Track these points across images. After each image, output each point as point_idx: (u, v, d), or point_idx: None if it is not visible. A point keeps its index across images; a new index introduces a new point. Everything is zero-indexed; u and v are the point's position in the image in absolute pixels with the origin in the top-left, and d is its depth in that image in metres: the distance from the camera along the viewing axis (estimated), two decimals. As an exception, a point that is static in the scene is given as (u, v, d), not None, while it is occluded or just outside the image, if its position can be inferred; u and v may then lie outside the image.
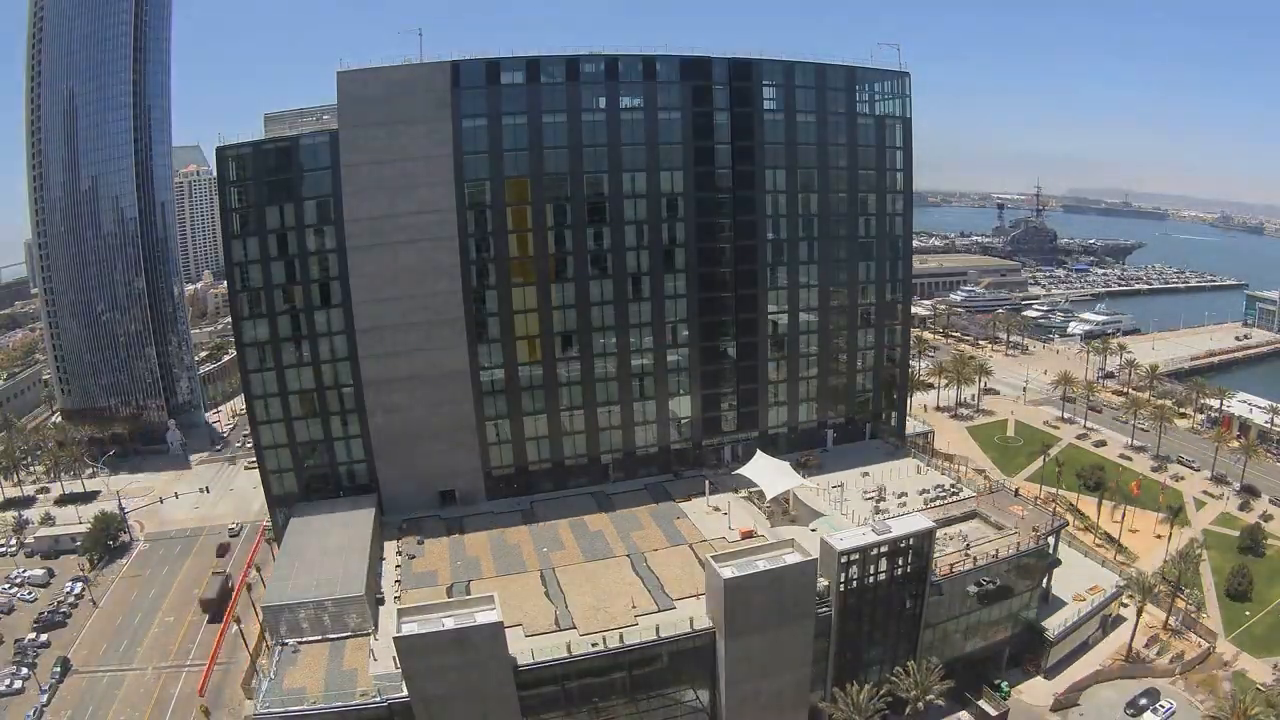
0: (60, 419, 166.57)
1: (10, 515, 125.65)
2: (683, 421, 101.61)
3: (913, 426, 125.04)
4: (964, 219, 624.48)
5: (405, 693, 60.48)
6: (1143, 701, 77.16)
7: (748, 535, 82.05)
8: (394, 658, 61.69)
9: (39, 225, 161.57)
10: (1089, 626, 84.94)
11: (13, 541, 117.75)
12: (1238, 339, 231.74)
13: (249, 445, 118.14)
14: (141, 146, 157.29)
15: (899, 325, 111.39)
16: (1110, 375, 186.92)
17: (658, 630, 66.47)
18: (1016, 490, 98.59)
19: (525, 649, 64.16)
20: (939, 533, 75.71)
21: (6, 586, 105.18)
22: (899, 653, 73.96)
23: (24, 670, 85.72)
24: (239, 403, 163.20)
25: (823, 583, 69.62)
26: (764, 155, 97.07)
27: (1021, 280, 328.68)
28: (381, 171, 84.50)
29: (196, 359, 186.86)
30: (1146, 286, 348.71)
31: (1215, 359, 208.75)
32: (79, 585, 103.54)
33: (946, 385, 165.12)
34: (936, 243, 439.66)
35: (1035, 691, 79.77)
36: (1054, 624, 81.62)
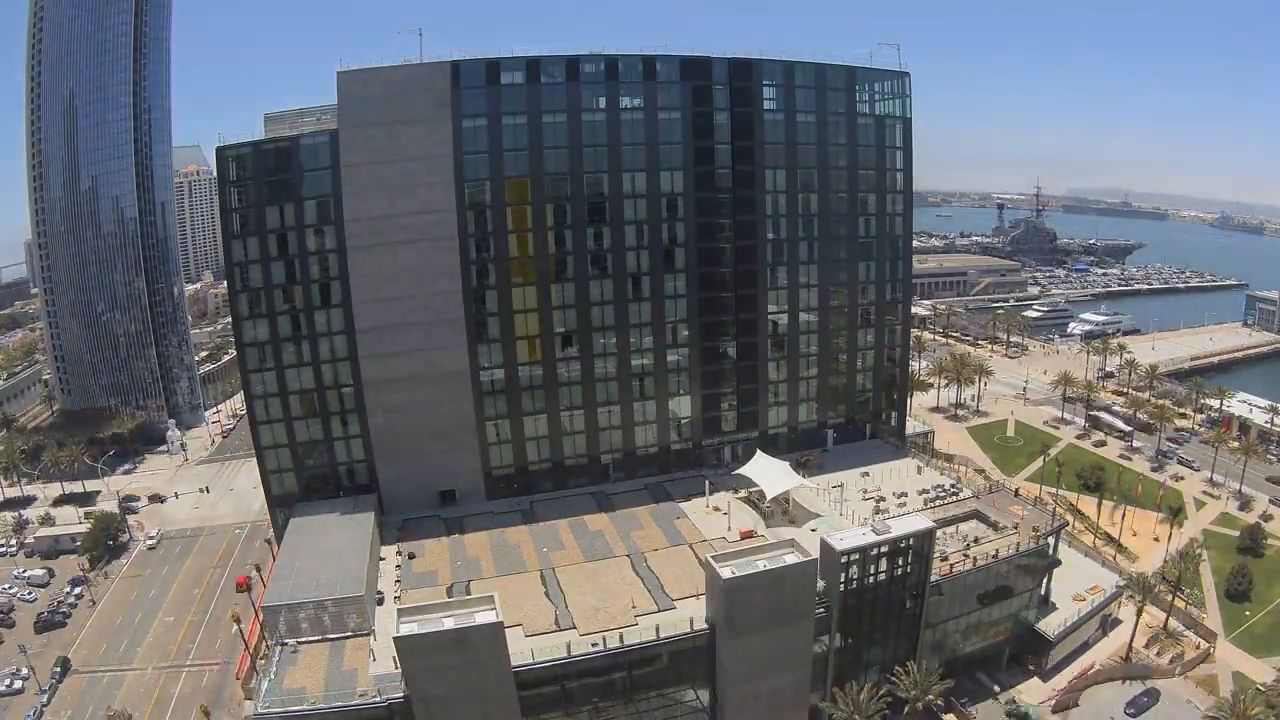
0: (60, 419, 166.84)
1: (10, 515, 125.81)
2: (683, 421, 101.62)
3: (913, 426, 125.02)
4: (964, 219, 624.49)
5: (405, 693, 60.51)
6: (1144, 699, 77.16)
7: (748, 535, 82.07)
8: (394, 658, 61.68)
9: (39, 225, 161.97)
10: (1089, 626, 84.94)
11: (13, 542, 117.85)
12: (1250, 335, 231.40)
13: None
14: (141, 146, 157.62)
15: (899, 325, 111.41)
16: (1110, 375, 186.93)
17: (658, 630, 66.47)
18: (1016, 490, 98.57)
19: (525, 649, 64.14)
20: (939, 533, 75.70)
21: (7, 586, 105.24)
22: (899, 653, 73.98)
23: (23, 670, 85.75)
24: (235, 401, 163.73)
25: (822, 583, 69.64)
26: (764, 155, 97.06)
27: (1021, 280, 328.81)
28: (381, 171, 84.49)
29: (196, 359, 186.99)
30: (1146, 286, 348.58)
31: (1215, 359, 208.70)
32: (79, 586, 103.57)
33: (946, 385, 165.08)
34: (937, 243, 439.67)
35: (1035, 691, 79.76)
36: (1054, 624, 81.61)
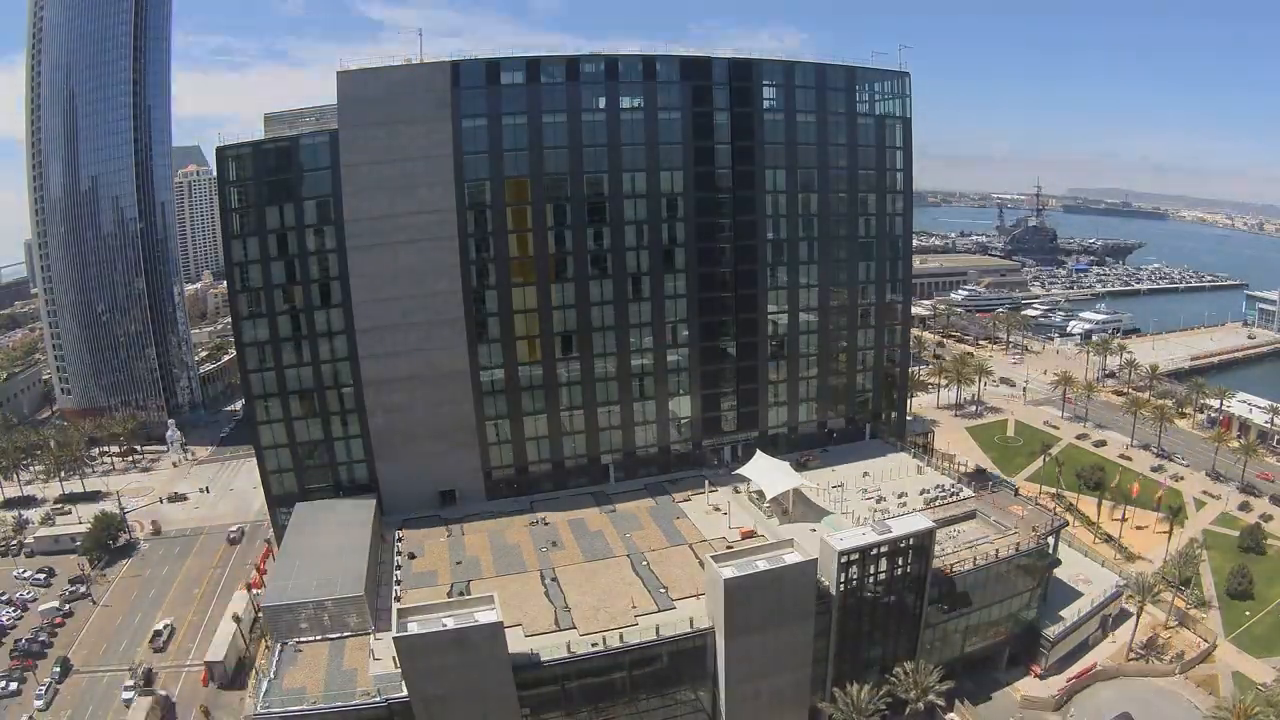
0: (60, 419, 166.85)
1: (10, 515, 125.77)
2: (683, 421, 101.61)
3: (912, 426, 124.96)
4: (964, 218, 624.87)
5: (405, 693, 60.49)
6: None
7: (748, 535, 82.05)
8: (394, 658, 61.70)
9: (39, 225, 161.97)
10: (1089, 626, 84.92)
11: (13, 542, 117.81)
12: (1250, 336, 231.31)
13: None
14: (141, 146, 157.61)
15: (899, 325, 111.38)
16: (1111, 375, 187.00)
17: (658, 630, 66.49)
18: (1016, 490, 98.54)
19: (525, 649, 64.13)
20: (938, 533, 75.67)
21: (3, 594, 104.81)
22: (899, 653, 73.97)
23: (11, 686, 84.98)
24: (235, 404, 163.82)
25: (823, 583, 69.64)
26: (764, 155, 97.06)
27: (1022, 280, 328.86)
28: (381, 171, 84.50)
29: (196, 359, 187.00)
30: (1146, 286, 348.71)
31: (1215, 359, 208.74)
32: (80, 587, 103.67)
33: (946, 385, 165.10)
34: (937, 242, 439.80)
35: (1034, 691, 79.75)
36: (1054, 624, 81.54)
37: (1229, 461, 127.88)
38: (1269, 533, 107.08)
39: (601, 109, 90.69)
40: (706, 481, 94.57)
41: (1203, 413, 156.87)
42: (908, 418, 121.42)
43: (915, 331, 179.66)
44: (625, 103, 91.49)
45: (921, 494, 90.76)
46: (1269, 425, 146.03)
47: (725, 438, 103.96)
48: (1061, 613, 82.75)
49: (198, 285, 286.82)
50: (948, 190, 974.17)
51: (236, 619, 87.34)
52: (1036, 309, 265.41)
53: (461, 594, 72.32)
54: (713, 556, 69.09)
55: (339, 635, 68.74)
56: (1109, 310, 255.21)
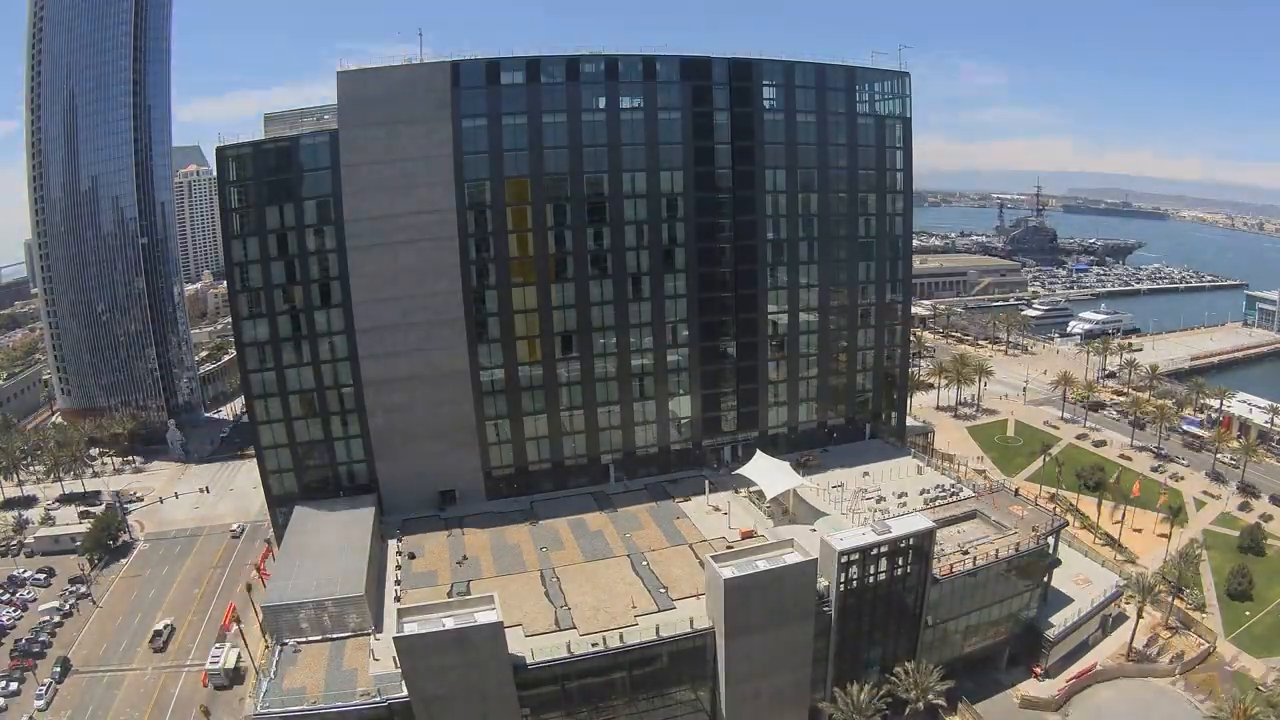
0: (60, 418, 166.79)
1: (10, 515, 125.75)
2: (683, 421, 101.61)
3: (913, 426, 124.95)
4: (964, 218, 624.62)
5: (405, 693, 60.51)
6: None
7: (748, 535, 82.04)
8: (394, 658, 61.70)
9: (39, 225, 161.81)
10: (1089, 626, 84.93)
11: (13, 542, 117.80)
12: (1250, 335, 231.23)
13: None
14: (141, 146, 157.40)
15: (899, 325, 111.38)
16: (1111, 375, 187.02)
17: (658, 630, 66.50)
18: (1016, 490, 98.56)
19: (525, 649, 64.12)
20: (938, 533, 75.67)
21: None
22: (899, 653, 73.97)
23: (22, 671, 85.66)
24: (236, 402, 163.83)
25: (823, 583, 69.64)
26: (764, 155, 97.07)
27: (1021, 280, 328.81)
28: (381, 171, 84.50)
29: (196, 359, 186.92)
30: (1146, 286, 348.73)
31: (1215, 359, 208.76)
32: (80, 587, 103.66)
33: (946, 385, 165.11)
34: (936, 242, 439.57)
35: (1035, 691, 79.70)
36: (1054, 624, 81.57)
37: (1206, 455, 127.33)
38: (1269, 533, 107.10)
39: (601, 109, 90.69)
40: (707, 481, 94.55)
41: (1203, 413, 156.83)
42: (908, 418, 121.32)
43: (915, 331, 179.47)
44: (625, 103, 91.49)
45: (921, 494, 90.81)
46: (1269, 425, 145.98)
47: (725, 438, 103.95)
48: (1062, 613, 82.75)
49: (198, 285, 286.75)
50: (948, 190, 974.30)
51: (237, 620, 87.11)
52: (1037, 309, 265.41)
53: (461, 594, 72.32)
54: (713, 556, 69.10)
55: (339, 635, 68.73)
56: (1109, 310, 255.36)
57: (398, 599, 72.90)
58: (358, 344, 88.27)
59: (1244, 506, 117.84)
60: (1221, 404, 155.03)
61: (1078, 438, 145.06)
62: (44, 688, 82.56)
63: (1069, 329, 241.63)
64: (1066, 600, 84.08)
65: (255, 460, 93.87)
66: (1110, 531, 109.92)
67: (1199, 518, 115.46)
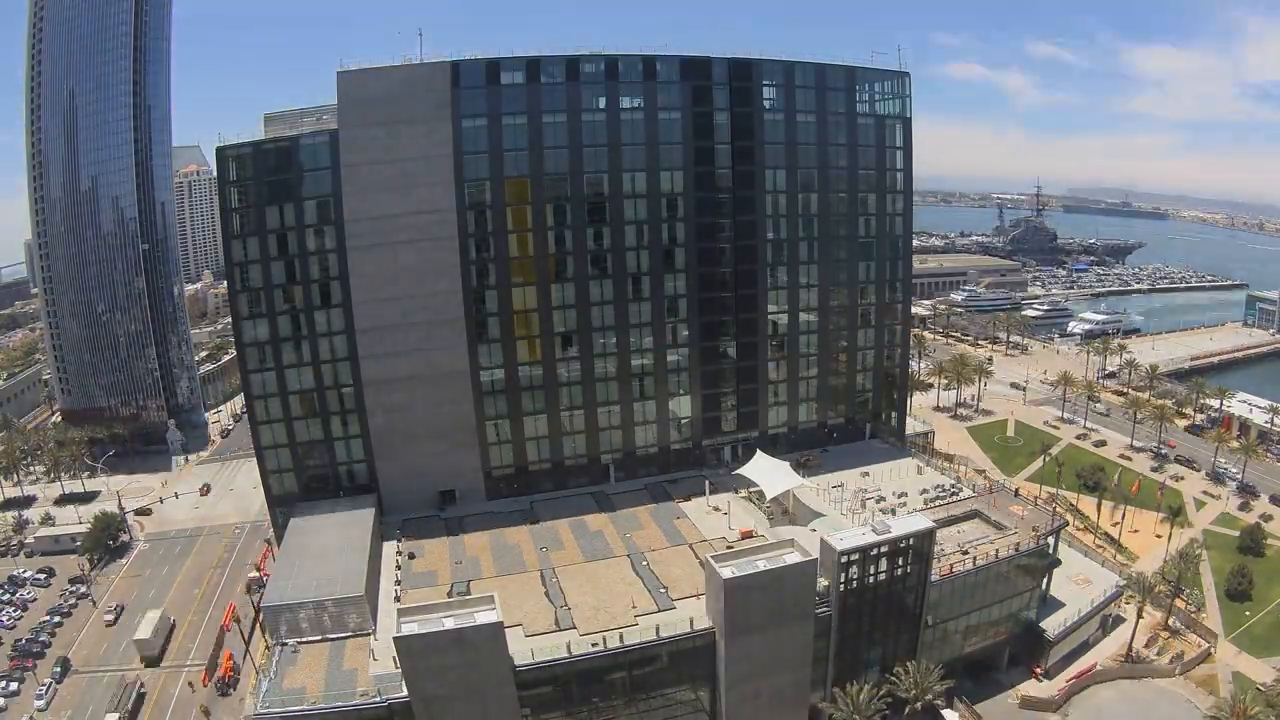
0: (60, 419, 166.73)
1: (10, 515, 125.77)
2: (683, 421, 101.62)
3: (912, 426, 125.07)
4: (964, 218, 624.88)
5: (405, 693, 60.49)
6: None
7: (748, 535, 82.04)
8: (394, 658, 61.69)
9: (39, 225, 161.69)
10: (1089, 626, 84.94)
11: (14, 542, 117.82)
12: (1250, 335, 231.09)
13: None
14: (141, 146, 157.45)
15: (899, 325, 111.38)
16: (1111, 375, 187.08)
17: (658, 630, 66.45)
18: (1016, 490, 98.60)
19: (525, 649, 64.15)
20: (939, 533, 75.68)
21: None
22: (899, 653, 73.98)
23: (22, 671, 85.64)
24: (237, 402, 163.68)
25: (823, 583, 69.64)
26: (764, 155, 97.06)
27: (1021, 280, 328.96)
28: (381, 171, 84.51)
29: (196, 359, 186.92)
30: (1146, 286, 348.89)
31: (1215, 359, 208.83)
32: (80, 587, 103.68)
33: (946, 385, 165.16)
34: (937, 242, 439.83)
35: (1034, 691, 79.70)
36: (1054, 624, 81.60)
37: (1205, 450, 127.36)
38: (1269, 533, 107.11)
39: (601, 109, 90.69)
40: (707, 481, 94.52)
41: (1203, 413, 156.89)
42: (908, 419, 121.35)
43: (915, 331, 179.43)
44: (625, 103, 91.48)
45: (921, 494, 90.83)
46: (1269, 425, 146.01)
47: (725, 438, 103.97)
48: (1062, 613, 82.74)
49: (198, 285, 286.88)
50: (948, 190, 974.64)
51: (237, 620, 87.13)
52: (1037, 309, 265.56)
53: (461, 594, 72.33)
54: (713, 556, 69.04)
55: (339, 635, 68.73)
56: (1109, 310, 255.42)
57: (398, 599, 72.86)
58: (358, 344, 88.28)
59: (1244, 506, 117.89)
60: (1221, 404, 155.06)
61: (1078, 438, 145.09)
62: (44, 688, 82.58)
63: (1069, 329, 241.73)
64: (1066, 600, 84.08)
65: (255, 460, 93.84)
66: (1110, 531, 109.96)
67: (1199, 518, 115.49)
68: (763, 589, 65.67)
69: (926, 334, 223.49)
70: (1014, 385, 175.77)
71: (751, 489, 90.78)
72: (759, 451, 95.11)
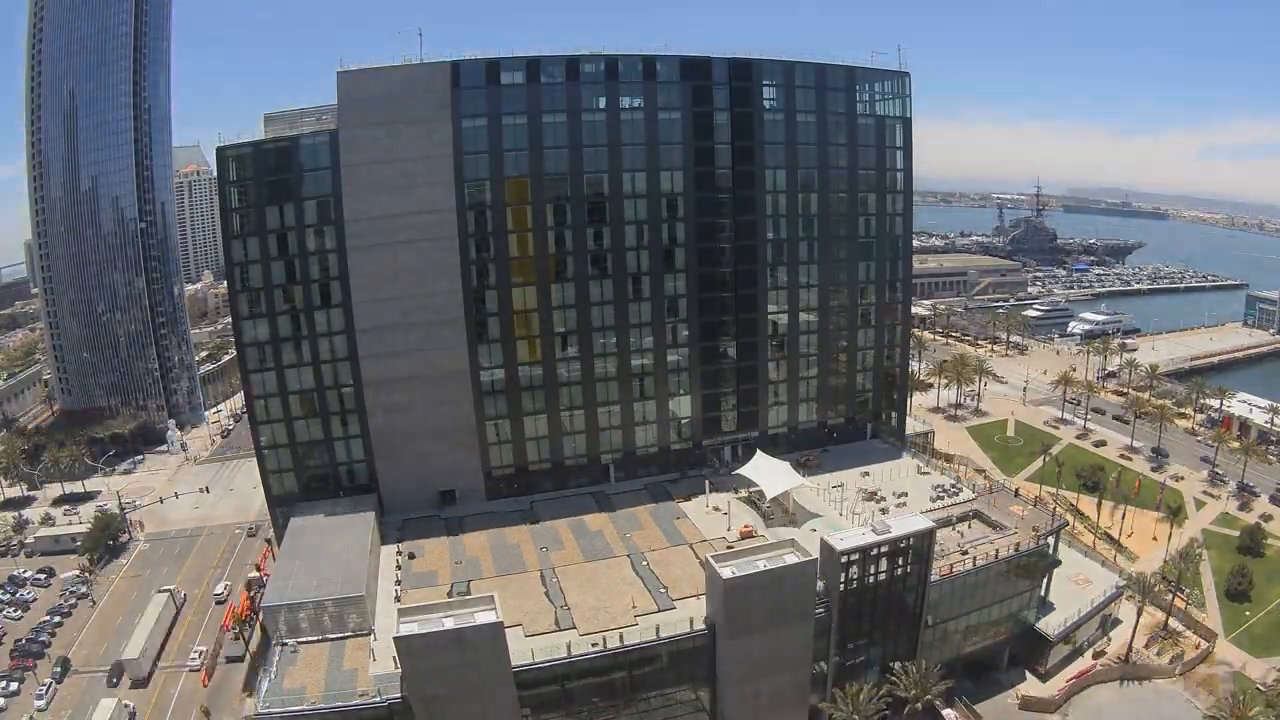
0: (60, 419, 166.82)
1: (10, 515, 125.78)
2: (683, 421, 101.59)
3: (912, 426, 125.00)
4: (964, 218, 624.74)
5: (405, 693, 60.48)
6: None
7: (748, 535, 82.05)
8: (394, 658, 61.70)
9: (39, 225, 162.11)
10: (1089, 626, 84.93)
11: (14, 541, 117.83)
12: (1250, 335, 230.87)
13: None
14: (141, 146, 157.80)
15: (899, 325, 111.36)
16: (1111, 375, 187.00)
17: (658, 630, 66.44)
18: (1016, 490, 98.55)
19: (525, 649, 64.14)
20: (939, 533, 75.67)
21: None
22: (899, 653, 73.98)
23: (22, 671, 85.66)
24: (236, 401, 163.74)
25: (822, 583, 69.62)
26: (764, 155, 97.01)
27: (1021, 280, 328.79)
28: (381, 171, 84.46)
29: (196, 359, 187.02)
30: (1146, 286, 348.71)
31: (1215, 359, 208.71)
32: (82, 587, 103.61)
33: (946, 385, 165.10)
34: (937, 242, 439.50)
35: (1034, 691, 79.72)
36: (1054, 624, 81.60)
37: (1199, 447, 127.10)
38: (1269, 533, 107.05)
39: (601, 109, 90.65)
40: (707, 481, 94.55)
41: (1203, 413, 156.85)
42: (908, 419, 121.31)
43: (915, 331, 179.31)
44: (625, 103, 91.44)
45: (922, 494, 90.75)
46: (1269, 425, 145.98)
47: (725, 438, 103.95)
48: (1062, 613, 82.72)
49: (198, 285, 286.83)
50: (948, 190, 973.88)
51: (237, 619, 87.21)
52: (1037, 309, 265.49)
53: (461, 594, 72.32)
54: (713, 556, 69.02)
55: (339, 635, 68.71)
56: (1109, 310, 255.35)
57: (398, 599, 72.87)
58: (358, 344, 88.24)
59: (1244, 506, 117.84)
60: (1221, 404, 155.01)
61: (1078, 438, 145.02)
62: (44, 688, 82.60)
63: (1069, 329, 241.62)
64: (1066, 600, 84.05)
65: (255, 460, 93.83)
66: (1110, 531, 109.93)
67: (1199, 518, 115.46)
68: (763, 589, 65.66)
69: (927, 334, 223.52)
70: (1011, 384, 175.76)
71: (751, 489, 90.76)
72: (759, 451, 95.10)
